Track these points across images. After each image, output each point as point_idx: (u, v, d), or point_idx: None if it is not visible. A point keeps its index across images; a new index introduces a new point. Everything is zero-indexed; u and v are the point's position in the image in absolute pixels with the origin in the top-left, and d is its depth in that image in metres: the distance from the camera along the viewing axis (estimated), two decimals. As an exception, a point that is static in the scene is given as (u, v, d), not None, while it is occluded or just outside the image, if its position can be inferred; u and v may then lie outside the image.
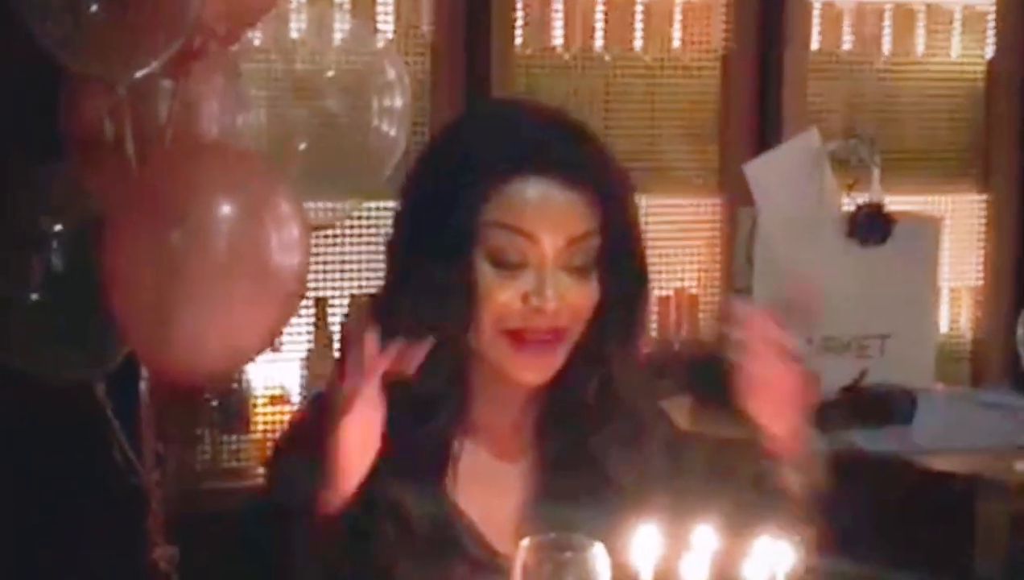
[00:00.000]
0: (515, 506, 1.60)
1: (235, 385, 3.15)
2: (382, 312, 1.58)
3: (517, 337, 1.54)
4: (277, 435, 1.77)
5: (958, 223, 3.76)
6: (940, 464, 2.54)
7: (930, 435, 2.71)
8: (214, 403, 3.11)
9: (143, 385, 2.53)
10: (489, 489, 1.60)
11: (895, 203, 3.53)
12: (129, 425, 2.53)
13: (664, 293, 3.57)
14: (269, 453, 1.75)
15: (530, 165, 1.54)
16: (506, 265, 1.53)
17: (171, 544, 2.56)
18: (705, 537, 1.32)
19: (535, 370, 1.56)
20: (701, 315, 3.59)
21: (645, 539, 1.29)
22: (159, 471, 2.56)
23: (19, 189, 2.45)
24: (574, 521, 1.47)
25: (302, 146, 2.57)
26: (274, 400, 3.23)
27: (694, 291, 3.60)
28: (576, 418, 1.62)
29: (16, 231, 2.42)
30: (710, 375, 3.08)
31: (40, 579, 2.68)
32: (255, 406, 3.19)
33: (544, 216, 1.53)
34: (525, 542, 1.27)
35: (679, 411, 3.00)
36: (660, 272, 3.56)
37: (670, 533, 1.31)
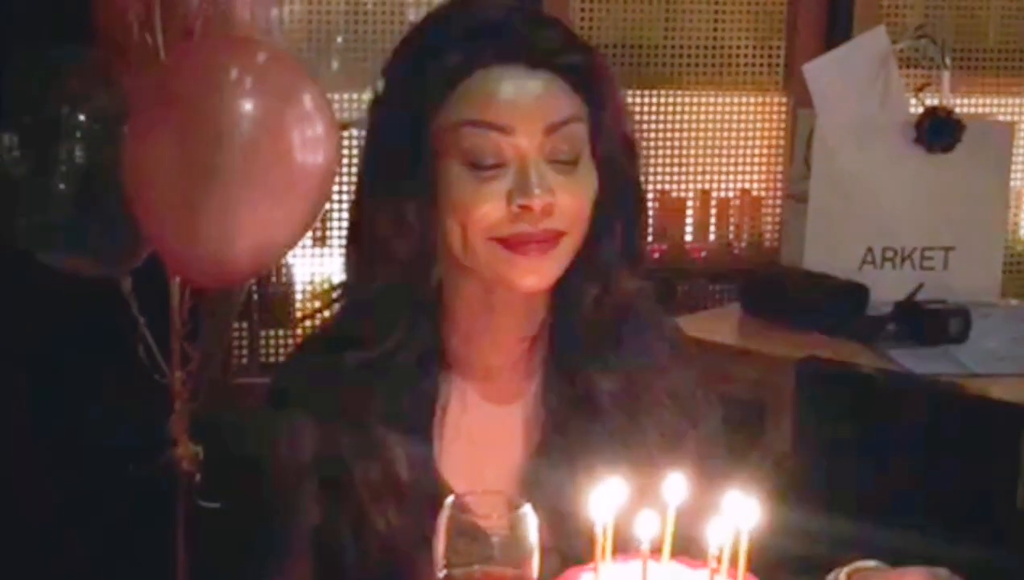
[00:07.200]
0: (506, 470, 1.49)
1: (274, 278, 3.11)
2: (356, 240, 1.49)
3: (511, 244, 1.40)
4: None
5: (1038, 127, 3.59)
6: (993, 390, 2.40)
7: (984, 358, 2.58)
8: (255, 297, 3.08)
9: (173, 281, 2.50)
10: (479, 444, 1.49)
11: (971, 105, 3.37)
12: (161, 322, 2.50)
13: (725, 195, 3.47)
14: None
15: (489, 53, 1.40)
16: (483, 166, 1.39)
17: (198, 442, 2.54)
18: (673, 489, 1.24)
19: (536, 273, 1.41)
20: (764, 219, 3.49)
21: (606, 492, 1.21)
22: (185, 370, 2.53)
23: (43, 77, 2.38)
24: (565, 484, 1.39)
25: (338, 39, 2.52)
26: (318, 295, 3.19)
27: (757, 193, 3.49)
28: (576, 346, 1.50)
29: (38, 120, 2.36)
30: (763, 287, 2.99)
31: (62, 476, 2.67)
32: (296, 300, 3.15)
33: (515, 104, 1.39)
34: (449, 500, 1.19)
35: (727, 320, 2.91)
36: (722, 173, 3.45)
37: (636, 485, 1.23)
